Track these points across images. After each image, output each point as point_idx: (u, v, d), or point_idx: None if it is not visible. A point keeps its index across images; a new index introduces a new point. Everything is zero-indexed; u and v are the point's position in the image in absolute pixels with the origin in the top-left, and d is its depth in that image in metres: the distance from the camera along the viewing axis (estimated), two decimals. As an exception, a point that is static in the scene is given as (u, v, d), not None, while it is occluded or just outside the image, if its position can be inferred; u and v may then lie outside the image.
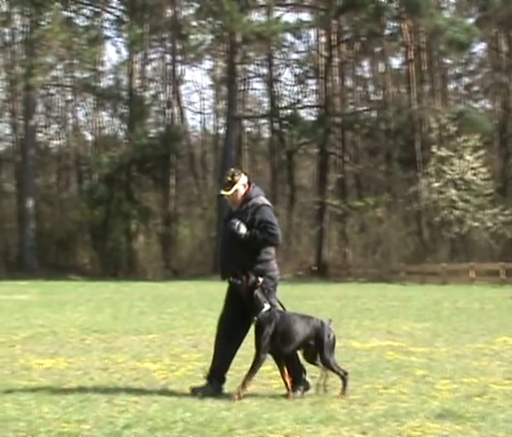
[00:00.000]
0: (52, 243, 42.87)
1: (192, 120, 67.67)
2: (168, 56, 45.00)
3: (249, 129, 47.61)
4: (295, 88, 46.73)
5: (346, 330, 14.46)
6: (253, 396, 8.27)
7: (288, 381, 8.42)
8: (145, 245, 42.76)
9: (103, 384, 8.88)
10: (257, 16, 43.71)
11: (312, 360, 8.57)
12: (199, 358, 11.02)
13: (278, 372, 8.49)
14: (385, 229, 42.38)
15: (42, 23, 41.81)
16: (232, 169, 9.08)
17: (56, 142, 47.57)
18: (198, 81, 76.59)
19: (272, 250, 8.75)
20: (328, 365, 8.44)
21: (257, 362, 8.28)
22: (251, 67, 47.08)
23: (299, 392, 8.40)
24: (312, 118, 45.10)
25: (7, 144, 46.02)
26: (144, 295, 24.93)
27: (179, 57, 44.47)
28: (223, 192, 8.80)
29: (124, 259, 41.18)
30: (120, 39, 45.52)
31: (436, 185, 40.86)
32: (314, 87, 46.62)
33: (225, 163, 41.73)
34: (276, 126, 45.77)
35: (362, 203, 42.17)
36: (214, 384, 8.45)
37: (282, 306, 8.71)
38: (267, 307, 8.37)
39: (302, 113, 45.91)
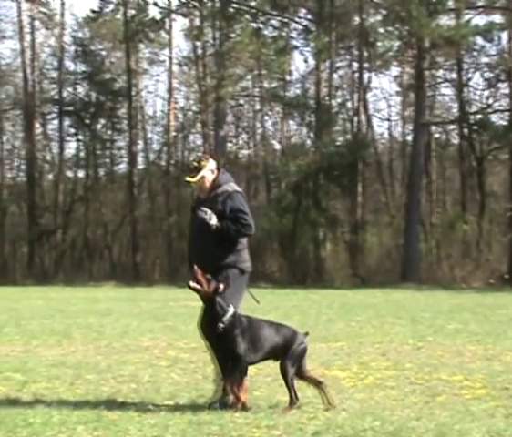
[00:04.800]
0: (241, 251, 43.68)
1: (379, 127, 67.39)
2: (355, 64, 44.99)
3: (437, 135, 46.81)
4: (486, 93, 45.60)
5: (541, 341, 13.95)
6: (443, 406, 8.11)
7: (237, 391, 7.84)
8: (332, 253, 42.81)
9: (292, 390, 8.94)
10: (446, 21, 42.99)
11: (299, 376, 8.02)
12: (388, 366, 10.91)
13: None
14: None
15: (232, 35, 42.84)
16: (199, 154, 8.58)
17: (244, 151, 48.54)
18: (385, 88, 76.11)
19: (244, 240, 8.25)
20: (285, 375, 7.88)
21: (239, 363, 7.76)
22: (440, 73, 46.32)
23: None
24: (504, 123, 43.83)
25: (199, 154, 47.35)
26: (332, 302, 24.98)
27: (365, 65, 44.35)
28: (188, 179, 8.26)
29: (312, 267, 41.40)
30: (308, 48, 45.83)
31: None
32: (506, 91, 45.28)
33: (413, 170, 41.21)
34: (466, 131, 44.80)
35: (557, 210, 40.60)
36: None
37: (255, 299, 8.30)
38: (231, 311, 7.84)
39: (493, 118, 44.69)
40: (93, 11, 45.05)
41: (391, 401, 8.37)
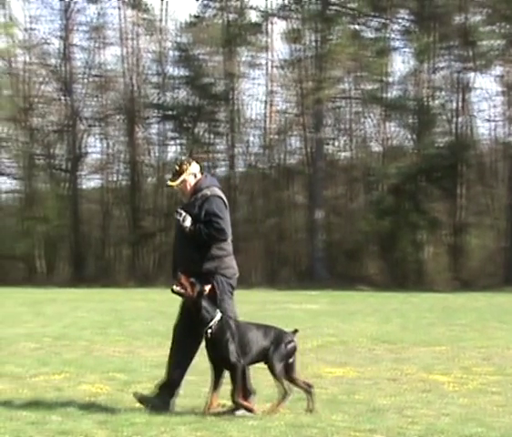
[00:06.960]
0: (341, 253, 43.54)
1: (482, 128, 65.72)
2: (457, 64, 44.30)
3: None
4: None
5: None
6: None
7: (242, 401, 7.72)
8: (433, 255, 42.29)
9: (392, 395, 8.87)
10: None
11: (289, 376, 7.85)
12: (492, 371, 10.71)
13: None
14: None
15: (331, 37, 42.75)
16: (183, 158, 8.40)
17: (344, 154, 48.32)
18: (487, 88, 74.49)
19: (227, 246, 8.12)
20: (273, 371, 7.75)
21: (235, 371, 7.65)
22: (545, 71, 45.32)
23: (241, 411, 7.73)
24: None
25: (298, 157, 47.37)
26: (432, 306, 24.66)
27: (467, 65, 43.66)
28: (169, 182, 8.13)
29: (412, 270, 40.97)
30: (408, 49, 45.35)
31: None
32: None
33: (517, 171, 40.45)
34: None
35: None
36: (163, 397, 7.92)
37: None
38: (218, 316, 7.72)
39: None
40: (194, 16, 45.58)
41: (495, 407, 8.22)
